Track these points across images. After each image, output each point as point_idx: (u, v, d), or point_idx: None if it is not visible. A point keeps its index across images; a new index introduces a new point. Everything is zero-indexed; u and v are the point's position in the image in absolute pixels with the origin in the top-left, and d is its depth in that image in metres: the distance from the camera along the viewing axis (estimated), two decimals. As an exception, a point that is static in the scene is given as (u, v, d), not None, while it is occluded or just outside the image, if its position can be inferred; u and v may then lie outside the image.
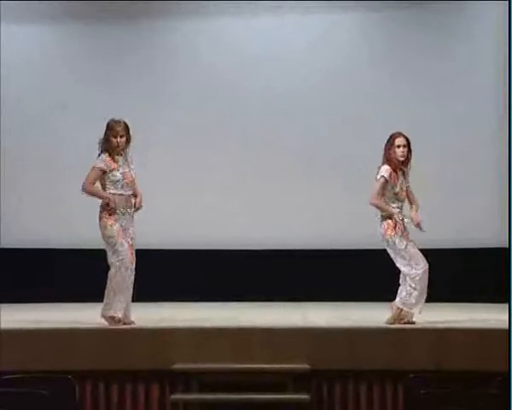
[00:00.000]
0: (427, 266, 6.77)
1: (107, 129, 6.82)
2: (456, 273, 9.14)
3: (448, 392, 5.46)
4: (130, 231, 6.80)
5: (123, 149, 6.83)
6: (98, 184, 6.86)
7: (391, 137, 6.87)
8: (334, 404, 6.26)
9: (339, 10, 9.70)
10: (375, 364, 6.19)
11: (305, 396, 6.13)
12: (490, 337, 6.32)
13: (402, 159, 6.83)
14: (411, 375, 5.64)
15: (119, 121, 6.81)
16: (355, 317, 6.88)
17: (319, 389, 6.25)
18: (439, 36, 9.66)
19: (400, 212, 6.84)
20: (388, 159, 6.84)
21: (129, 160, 6.88)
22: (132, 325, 6.70)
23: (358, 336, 6.37)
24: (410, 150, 6.86)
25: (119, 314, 6.66)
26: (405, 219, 6.82)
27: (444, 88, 9.61)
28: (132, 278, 6.78)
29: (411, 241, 6.81)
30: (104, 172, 6.77)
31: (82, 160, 9.28)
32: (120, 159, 6.83)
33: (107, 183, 6.78)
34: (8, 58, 9.74)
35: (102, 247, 6.83)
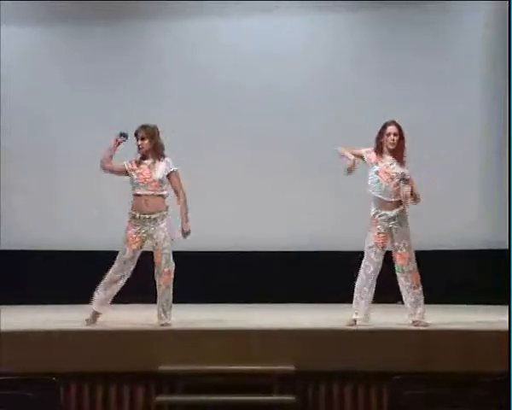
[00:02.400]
0: (371, 277, 6.80)
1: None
2: (451, 275, 9.15)
3: (433, 393, 5.46)
4: (154, 236, 6.88)
5: (149, 152, 6.96)
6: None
7: (383, 125, 6.89)
8: (319, 405, 6.26)
9: (336, 10, 9.72)
10: (360, 365, 6.18)
11: (290, 398, 6.13)
12: (478, 339, 6.33)
13: (392, 147, 6.83)
14: (396, 376, 5.64)
15: (144, 125, 7.00)
16: (340, 318, 6.87)
17: (304, 390, 6.26)
18: (435, 35, 9.68)
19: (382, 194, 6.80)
20: (379, 148, 6.87)
21: (158, 163, 6.96)
22: (117, 327, 6.71)
23: (344, 337, 6.39)
24: (402, 138, 6.85)
25: (96, 309, 6.87)
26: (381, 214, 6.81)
27: (441, 87, 9.65)
28: (121, 282, 6.92)
29: (382, 248, 6.80)
30: (126, 172, 6.97)
31: (81, 160, 9.42)
32: (149, 162, 6.95)
33: (131, 184, 6.98)
34: (7, 58, 9.79)
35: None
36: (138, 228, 6.88)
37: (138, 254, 6.95)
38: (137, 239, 6.88)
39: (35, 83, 9.94)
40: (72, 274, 9.26)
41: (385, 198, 6.81)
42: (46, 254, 9.62)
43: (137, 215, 6.88)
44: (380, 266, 6.85)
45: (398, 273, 6.85)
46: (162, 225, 6.90)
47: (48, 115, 9.86)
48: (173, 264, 6.96)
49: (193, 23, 9.84)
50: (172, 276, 6.94)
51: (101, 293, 6.91)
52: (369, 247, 6.82)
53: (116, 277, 6.90)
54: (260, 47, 9.78)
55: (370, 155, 6.89)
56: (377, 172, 6.83)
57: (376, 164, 6.85)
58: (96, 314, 6.91)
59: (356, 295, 6.85)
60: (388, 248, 6.91)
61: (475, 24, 9.61)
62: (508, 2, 8.36)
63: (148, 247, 7.00)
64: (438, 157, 9.51)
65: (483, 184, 9.60)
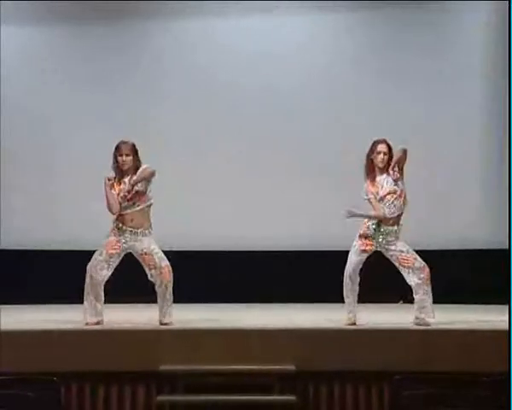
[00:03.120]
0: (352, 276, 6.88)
1: (114, 150, 6.93)
2: (451, 275, 9.15)
3: (433, 393, 5.47)
4: (137, 245, 6.89)
5: (130, 169, 6.91)
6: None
7: (373, 143, 6.96)
8: (320, 405, 6.25)
9: (336, 10, 9.73)
10: (360, 365, 6.18)
11: (291, 398, 6.13)
12: (478, 339, 6.33)
13: (381, 166, 6.92)
14: (397, 376, 5.65)
15: (126, 141, 6.93)
16: (340, 318, 6.88)
17: (305, 390, 6.25)
18: (435, 35, 9.68)
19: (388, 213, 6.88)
20: (370, 165, 6.95)
21: (133, 179, 6.91)
22: (117, 327, 6.72)
23: (344, 337, 6.39)
24: (391, 157, 6.90)
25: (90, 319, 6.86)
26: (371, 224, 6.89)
27: (441, 87, 9.65)
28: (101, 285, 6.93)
29: (363, 250, 6.86)
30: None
31: (81, 159, 9.43)
32: (126, 179, 6.92)
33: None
34: (7, 58, 9.81)
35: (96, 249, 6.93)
36: (120, 237, 6.90)
37: (114, 262, 6.93)
38: (117, 246, 6.89)
39: (35, 83, 9.95)
40: (72, 274, 9.20)
41: (388, 216, 6.89)
42: (46, 254, 9.63)
43: (121, 226, 6.90)
44: (358, 267, 6.89)
45: (409, 275, 6.87)
46: (143, 239, 6.91)
47: (48, 115, 9.87)
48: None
49: (193, 23, 9.85)
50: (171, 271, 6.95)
51: (87, 304, 6.92)
52: (353, 245, 6.93)
53: (89, 282, 6.91)
54: (260, 47, 9.79)
55: (368, 189, 6.96)
56: (382, 199, 6.89)
57: (377, 193, 6.92)
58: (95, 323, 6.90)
59: (344, 294, 6.94)
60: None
61: (475, 24, 9.63)
62: (508, 2, 8.37)
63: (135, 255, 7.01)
64: (438, 157, 9.53)
65: (483, 184, 9.61)
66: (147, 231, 6.94)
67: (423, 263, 6.88)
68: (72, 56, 9.96)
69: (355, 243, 6.93)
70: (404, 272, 6.88)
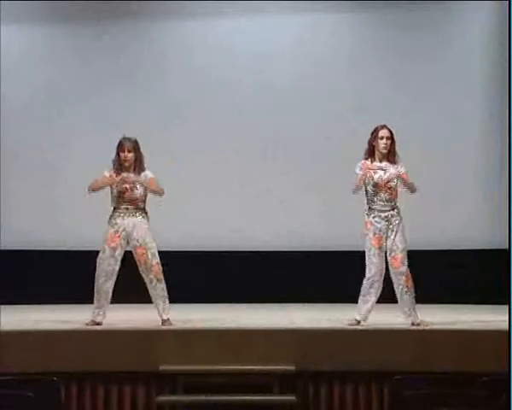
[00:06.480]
0: (373, 278, 6.80)
1: (117, 146, 6.95)
2: (451, 275, 9.16)
3: (433, 393, 5.46)
4: (134, 234, 6.88)
5: (131, 166, 6.93)
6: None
7: (375, 129, 6.93)
8: (320, 405, 6.27)
9: (336, 10, 9.73)
10: (360, 365, 6.19)
11: (291, 398, 6.15)
12: (477, 339, 6.35)
13: (385, 151, 6.88)
14: (397, 376, 5.65)
15: (129, 138, 6.95)
16: (340, 318, 6.88)
17: (305, 390, 6.26)
18: (435, 35, 9.69)
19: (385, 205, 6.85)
20: (371, 151, 6.92)
21: (140, 178, 6.94)
22: (117, 327, 6.72)
23: (344, 337, 6.40)
24: (393, 142, 6.89)
25: (97, 318, 6.84)
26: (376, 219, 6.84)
27: (442, 88, 9.66)
28: (111, 282, 6.91)
29: (380, 248, 6.80)
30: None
31: (81, 159, 9.43)
32: (131, 175, 6.94)
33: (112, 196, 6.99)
34: (8, 58, 9.80)
35: (100, 248, 6.93)
36: (117, 227, 6.89)
37: (119, 254, 6.91)
38: (116, 238, 6.88)
39: (35, 83, 9.93)
40: (72, 274, 9.25)
41: (380, 203, 6.85)
42: (46, 254, 9.62)
43: (118, 213, 6.92)
44: (383, 267, 6.83)
45: (393, 275, 6.85)
46: (140, 219, 6.90)
47: (48, 115, 9.86)
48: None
49: (193, 23, 9.85)
50: (161, 268, 6.93)
51: (96, 302, 6.90)
52: (369, 249, 6.83)
53: (101, 280, 6.87)
54: (260, 47, 9.78)
55: (365, 166, 6.89)
56: (376, 185, 6.86)
57: (375, 173, 6.87)
58: (95, 322, 6.89)
59: (360, 297, 6.84)
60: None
61: (476, 24, 9.60)
62: (508, 2, 8.37)
63: (130, 247, 6.99)
64: (438, 157, 9.52)
65: (483, 184, 9.60)
66: (143, 213, 6.94)
67: (406, 269, 6.79)
68: (73, 57, 9.94)
69: (368, 245, 6.82)
70: (390, 271, 6.83)
